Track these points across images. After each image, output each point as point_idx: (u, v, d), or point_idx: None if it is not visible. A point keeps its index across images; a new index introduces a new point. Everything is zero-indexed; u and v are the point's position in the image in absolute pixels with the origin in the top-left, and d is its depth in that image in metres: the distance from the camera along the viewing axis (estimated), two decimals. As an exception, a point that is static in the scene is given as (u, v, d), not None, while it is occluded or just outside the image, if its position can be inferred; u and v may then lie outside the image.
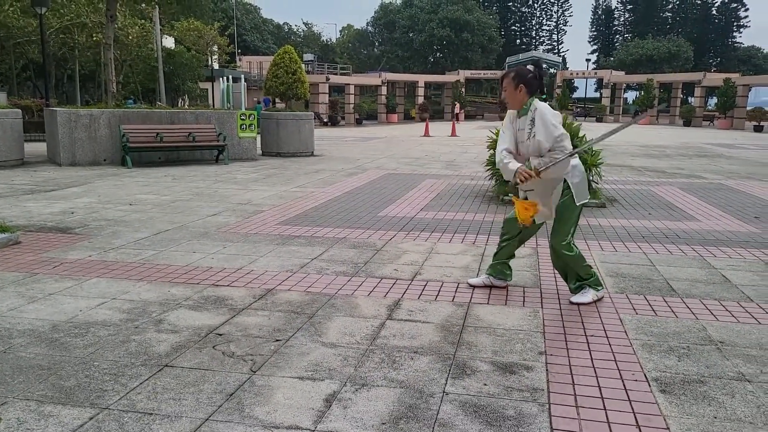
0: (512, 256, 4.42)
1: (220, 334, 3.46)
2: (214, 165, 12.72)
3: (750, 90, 39.43)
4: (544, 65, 53.27)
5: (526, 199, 4.21)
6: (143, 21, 26.40)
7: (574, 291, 4.15)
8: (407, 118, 44.97)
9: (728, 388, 2.85)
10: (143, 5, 18.70)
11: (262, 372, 2.98)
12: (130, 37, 24.73)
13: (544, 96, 4.21)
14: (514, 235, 4.33)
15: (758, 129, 33.92)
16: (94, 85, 32.14)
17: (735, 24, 70.40)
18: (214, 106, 29.95)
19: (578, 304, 4.07)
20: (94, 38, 23.91)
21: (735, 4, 69.84)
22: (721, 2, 70.27)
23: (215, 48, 31.44)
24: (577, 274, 4.12)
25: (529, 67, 4.06)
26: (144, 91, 28.46)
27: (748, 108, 37.51)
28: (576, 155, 3.96)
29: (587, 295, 4.09)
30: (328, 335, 3.47)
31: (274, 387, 2.82)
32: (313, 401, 2.69)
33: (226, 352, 3.21)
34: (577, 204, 4.02)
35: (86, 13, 22.77)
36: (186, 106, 25.18)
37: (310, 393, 2.77)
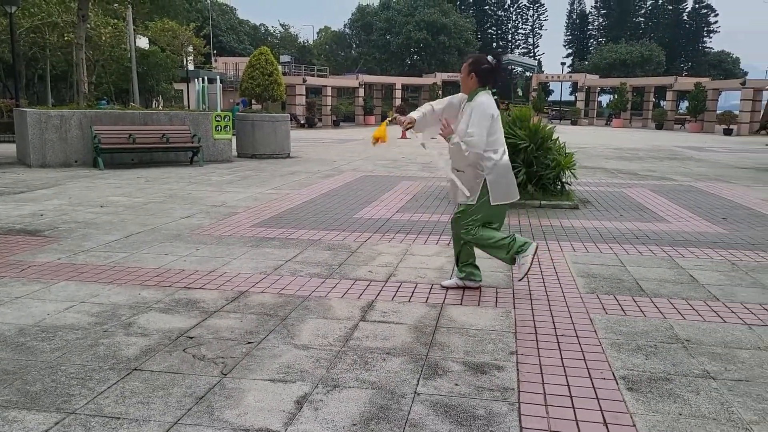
0: (473, 255, 4.44)
1: (191, 337, 3.42)
2: (189, 167, 12.59)
3: (720, 94, 40.26)
4: (520, 68, 53.78)
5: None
6: (116, 21, 26.02)
7: (512, 263, 4.23)
8: (384, 119, 44.96)
9: (693, 386, 2.91)
10: (116, 5, 18.44)
11: (233, 375, 2.96)
12: (103, 38, 24.35)
13: (495, 90, 4.31)
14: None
15: (728, 132, 34.65)
16: (66, 85, 31.61)
17: (705, 29, 71.89)
18: (189, 107, 29.64)
19: (521, 278, 4.19)
20: (66, 38, 23.51)
21: (705, 10, 71.33)
22: (691, 8, 71.71)
23: (190, 49, 31.10)
24: (494, 254, 4.25)
25: (489, 57, 4.14)
26: (117, 92, 28.05)
27: (718, 112, 38.27)
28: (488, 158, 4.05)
29: (523, 263, 4.11)
30: (301, 337, 3.46)
31: (244, 390, 2.80)
32: (284, 403, 2.68)
33: (197, 355, 3.18)
34: (492, 204, 4.11)
35: (58, 12, 22.37)
36: (160, 107, 24.89)
37: (281, 395, 2.76)
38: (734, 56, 67.49)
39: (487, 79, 4.14)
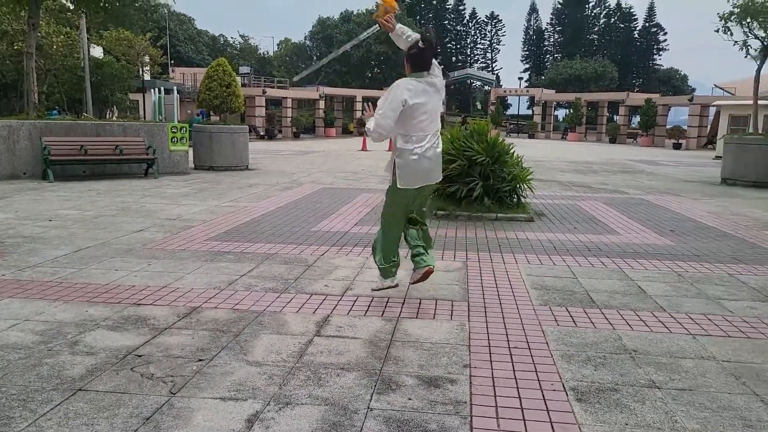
0: (428, 244, 4.52)
1: (140, 356, 3.34)
2: (143, 179, 12.34)
3: (669, 109, 41.73)
4: (479, 82, 54.49)
5: None
6: (69, 29, 25.36)
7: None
8: (345, 132, 45.05)
9: (639, 395, 2.98)
10: (68, 14, 18.00)
11: (183, 393, 2.89)
12: (55, 46, 23.71)
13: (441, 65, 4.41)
14: (406, 229, 4.50)
15: (677, 146, 35.88)
16: (16, 95, 30.57)
17: (655, 47, 74.57)
18: (144, 118, 29.06)
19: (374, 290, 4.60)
20: (16, 47, 22.81)
21: (655, 29, 73.99)
22: (642, 27, 74.28)
23: (147, 58, 30.52)
24: (374, 252, 4.51)
25: (420, 43, 4.25)
26: (70, 102, 27.29)
27: (668, 126, 39.67)
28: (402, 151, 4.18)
29: (376, 286, 4.57)
30: (254, 353, 3.41)
31: (194, 409, 2.75)
32: (235, 422, 2.64)
33: (145, 374, 3.10)
34: (398, 186, 4.24)
35: (7, 20, 21.71)
36: (115, 118, 24.33)
37: (232, 414, 2.71)
38: (682, 73, 70.08)
39: (416, 63, 4.20)
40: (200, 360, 3.29)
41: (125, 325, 3.81)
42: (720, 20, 16.43)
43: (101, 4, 14.55)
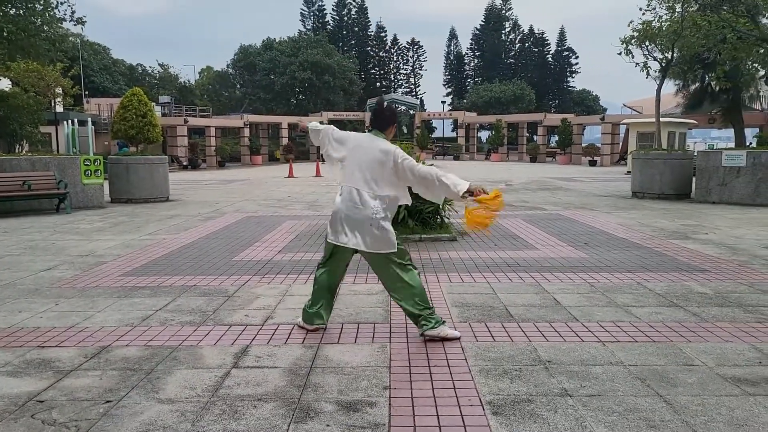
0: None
1: (42, 401, 3.14)
2: (55, 215, 11.74)
3: (584, 128, 43.84)
4: (403, 107, 55.74)
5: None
6: (-28, 60, 24.00)
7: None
8: (272, 159, 44.65)
9: (552, 405, 3.06)
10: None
11: (87, 438, 2.74)
12: (-45, 78, 22.41)
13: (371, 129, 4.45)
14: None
15: (592, 163, 37.67)
16: None
17: (568, 70, 78.34)
18: (58, 151, 27.74)
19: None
20: None
21: (567, 53, 77.87)
22: (555, 51, 78.03)
23: (58, 90, 29.24)
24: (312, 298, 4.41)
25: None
26: (-25, 137, 25.69)
27: (584, 144, 41.65)
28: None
29: (301, 323, 4.41)
30: (166, 391, 3.28)
31: (98, 454, 2.60)
32: (142, 464, 2.52)
33: (47, 420, 2.92)
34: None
35: None
36: (25, 152, 23.08)
37: (140, 456, 2.59)
38: (594, 94, 73.81)
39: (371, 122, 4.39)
40: (108, 402, 3.13)
41: (27, 370, 3.58)
42: (622, 44, 17.49)
43: (4, 35, 13.88)
